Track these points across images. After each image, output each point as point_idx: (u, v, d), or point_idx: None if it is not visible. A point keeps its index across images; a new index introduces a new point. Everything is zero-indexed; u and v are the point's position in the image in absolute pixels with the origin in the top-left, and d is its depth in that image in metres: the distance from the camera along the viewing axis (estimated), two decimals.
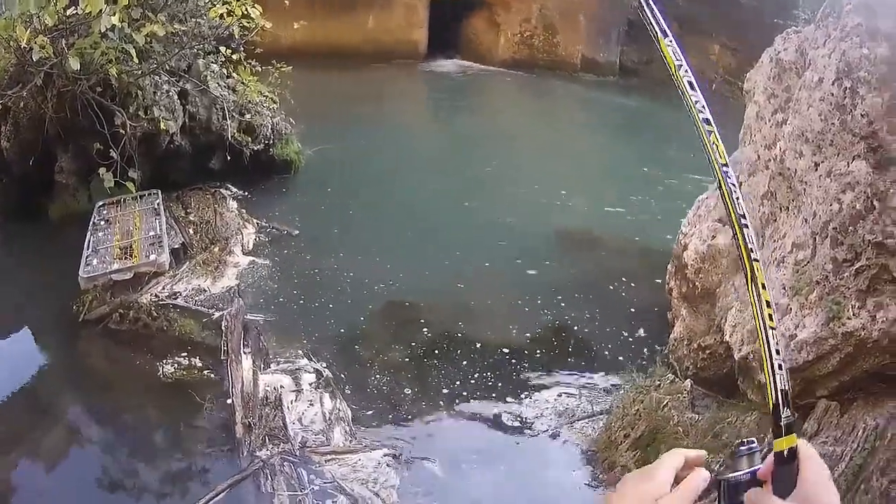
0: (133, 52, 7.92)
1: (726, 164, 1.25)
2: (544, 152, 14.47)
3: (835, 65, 4.66)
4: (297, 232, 9.49)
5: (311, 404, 6.28)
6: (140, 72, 8.78)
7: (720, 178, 1.25)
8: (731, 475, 1.20)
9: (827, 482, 1.15)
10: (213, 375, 6.60)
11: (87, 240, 7.97)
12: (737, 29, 19.45)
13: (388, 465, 5.70)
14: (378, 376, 6.75)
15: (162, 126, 8.80)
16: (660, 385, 6.28)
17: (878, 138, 4.31)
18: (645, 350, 7.39)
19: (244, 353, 6.82)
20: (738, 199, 1.25)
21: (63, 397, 6.46)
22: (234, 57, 10.10)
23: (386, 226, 10.10)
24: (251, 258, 8.73)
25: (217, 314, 7.37)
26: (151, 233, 8.22)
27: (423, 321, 7.65)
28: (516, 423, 6.34)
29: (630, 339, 7.61)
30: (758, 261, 1.24)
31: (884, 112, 4.27)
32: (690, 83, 1.29)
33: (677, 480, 1.20)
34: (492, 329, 7.63)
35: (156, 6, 8.59)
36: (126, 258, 7.76)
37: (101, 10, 6.37)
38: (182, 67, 9.66)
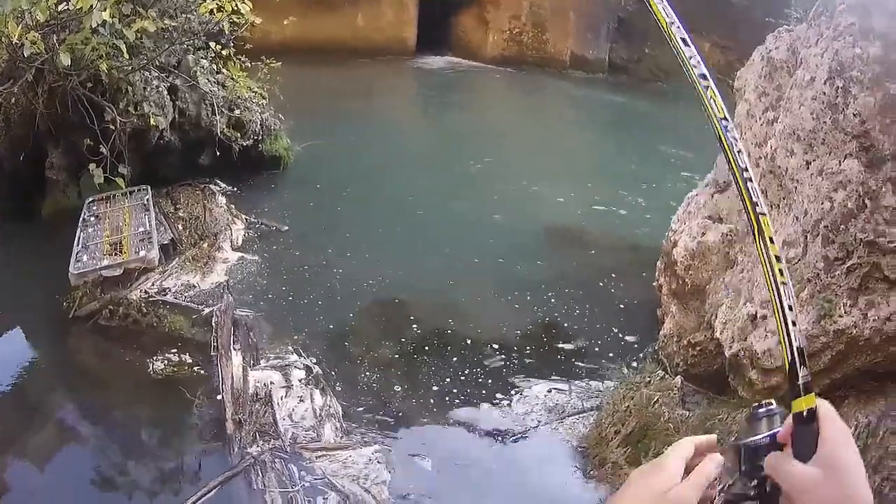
0: (123, 47, 7.87)
1: (725, 118, 1.22)
2: (533, 149, 14.49)
3: (827, 64, 4.68)
4: (286, 228, 9.45)
5: (302, 400, 6.26)
6: (130, 67, 8.73)
7: (720, 132, 1.22)
8: (749, 439, 1.17)
9: (848, 443, 1.11)
10: (202, 372, 6.57)
11: (77, 236, 7.91)
12: (727, 27, 19.51)
13: (378, 461, 5.69)
14: (368, 373, 6.74)
15: (151, 122, 8.76)
16: (650, 381, 6.29)
17: (871, 137, 4.34)
18: (635, 346, 7.40)
19: (234, 349, 6.79)
20: (739, 152, 1.22)
21: (53, 394, 6.41)
22: (224, 53, 10.07)
23: (375, 222, 10.08)
24: (240, 254, 8.69)
25: (206, 310, 7.33)
26: (141, 229, 8.17)
27: (412, 318, 7.64)
28: (507, 420, 6.33)
29: (620, 336, 7.62)
30: (764, 214, 1.20)
31: (876, 111, 4.29)
32: (683, 39, 1.26)
33: (689, 470, 1.17)
34: (481, 326, 7.63)
35: (146, 2, 8.53)
36: (116, 254, 7.71)
37: (91, 6, 6.33)
38: (172, 63, 9.61)
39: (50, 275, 7.59)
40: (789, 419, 1.15)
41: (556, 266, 9.08)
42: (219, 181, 10.35)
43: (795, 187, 5.12)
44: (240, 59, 10.47)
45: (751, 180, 1.20)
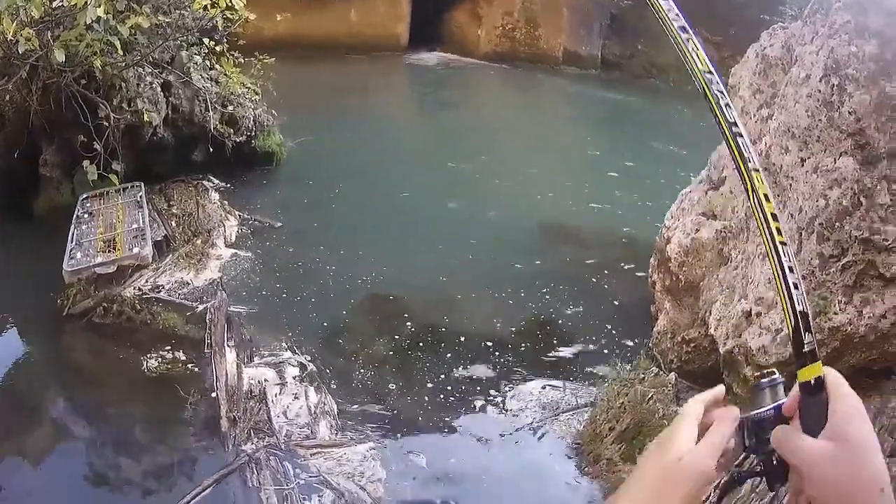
0: (118, 43, 7.86)
1: (709, 71, 1.17)
2: (527, 146, 14.48)
3: (822, 61, 4.69)
4: (279, 224, 9.43)
5: (296, 398, 6.25)
6: (124, 64, 8.69)
7: (704, 85, 1.17)
8: (753, 412, 1.12)
9: (860, 413, 1.04)
10: (196, 369, 6.55)
11: (70, 233, 7.87)
12: (721, 22, 19.51)
13: (373, 458, 5.69)
14: (363, 370, 6.73)
15: (145, 118, 8.72)
16: (644, 378, 6.31)
17: (866, 135, 4.35)
18: (629, 343, 7.41)
19: (228, 346, 6.76)
20: (726, 105, 1.16)
21: (47, 392, 6.39)
22: (218, 49, 10.03)
23: (368, 219, 10.07)
24: (233, 250, 8.67)
25: (200, 307, 7.31)
26: (134, 225, 8.13)
27: (406, 315, 7.64)
28: (501, 416, 6.34)
29: (614, 332, 7.63)
30: (758, 170, 1.14)
31: (872, 109, 4.31)
32: None
33: (704, 431, 1.11)
34: (476, 322, 7.63)
35: None
36: (109, 251, 7.68)
37: (86, 2, 6.31)
38: (165, 59, 9.57)
39: (44, 272, 7.57)
40: (795, 389, 1.10)
41: (550, 262, 9.08)
42: (212, 177, 10.31)
43: (790, 184, 5.14)
44: (233, 56, 10.43)
45: (741, 135, 1.15)
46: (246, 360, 6.69)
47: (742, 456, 1.14)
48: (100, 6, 6.72)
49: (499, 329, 7.54)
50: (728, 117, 1.15)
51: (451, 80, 20.53)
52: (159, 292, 7.52)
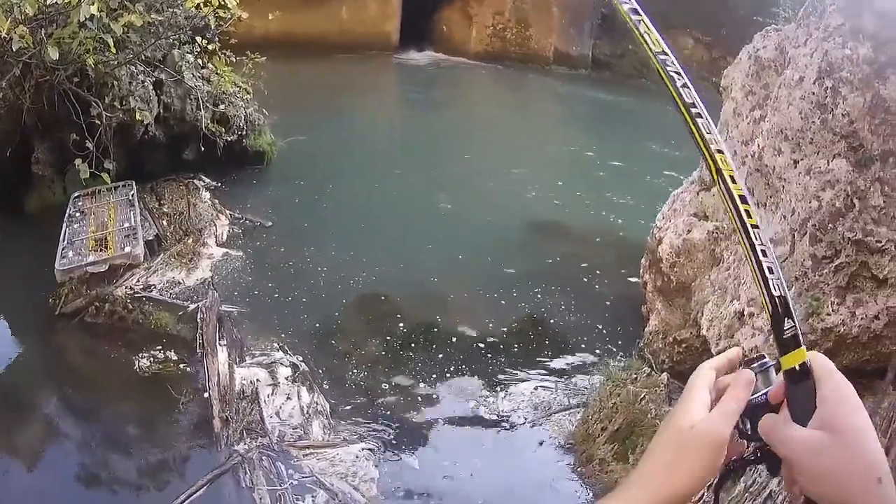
0: (110, 41, 7.83)
1: (664, 52, 1.11)
2: (518, 146, 14.50)
3: (816, 64, 4.71)
4: (270, 224, 9.41)
5: (289, 398, 6.24)
6: (116, 62, 8.67)
7: (659, 66, 1.11)
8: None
9: (851, 400, 0.99)
10: (188, 369, 6.52)
11: (62, 232, 7.85)
12: (711, 23, 19.60)
13: (366, 458, 5.69)
14: (355, 370, 6.72)
15: (137, 116, 8.69)
16: (636, 378, 6.31)
17: (860, 137, 4.38)
18: (620, 343, 7.43)
19: (220, 345, 6.75)
20: (683, 86, 1.10)
21: (39, 392, 6.35)
22: (210, 47, 10.00)
23: (359, 219, 10.05)
24: (225, 250, 8.64)
25: (192, 307, 7.29)
26: (126, 224, 8.11)
27: (398, 315, 7.63)
28: (493, 417, 6.34)
29: (605, 332, 7.65)
30: (722, 152, 1.09)
31: (865, 112, 4.33)
32: None
33: (719, 397, 1.05)
34: (468, 322, 7.62)
35: None
36: (101, 250, 7.65)
37: (79, 0, 6.27)
38: (158, 58, 9.55)
39: (35, 271, 7.54)
40: (780, 378, 1.05)
41: (541, 262, 9.09)
42: (203, 176, 10.30)
43: (783, 186, 5.16)
44: (225, 54, 10.40)
45: (700, 116, 1.10)
46: (238, 360, 6.67)
47: (737, 442, 1.06)
48: (93, 4, 6.69)
49: (491, 329, 7.54)
50: (686, 98, 1.10)
51: (442, 79, 20.55)
52: (151, 292, 7.49)
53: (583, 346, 7.42)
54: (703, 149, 1.10)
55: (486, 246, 9.46)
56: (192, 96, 9.85)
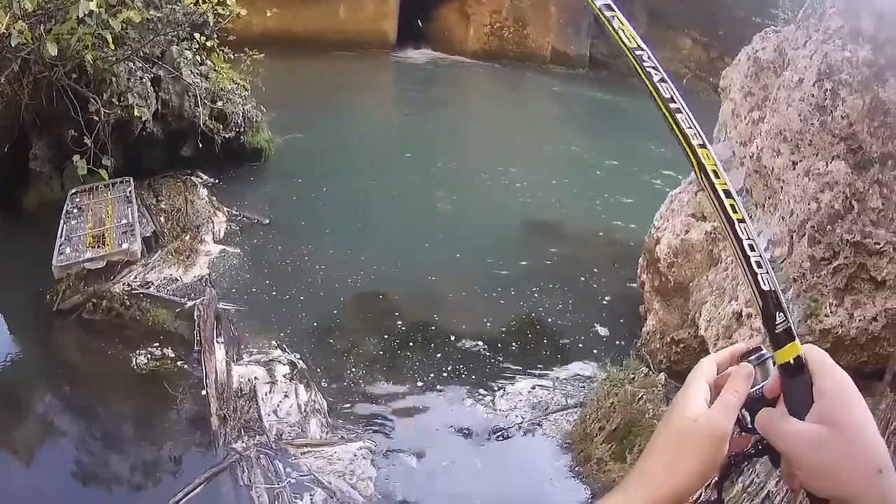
0: (109, 38, 7.82)
1: (639, 48, 1.09)
2: (515, 145, 14.50)
3: (816, 66, 4.72)
4: (267, 221, 9.39)
5: (286, 396, 6.24)
6: (115, 58, 8.65)
7: (634, 62, 1.09)
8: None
9: (849, 392, 0.97)
10: (186, 366, 6.52)
11: (60, 228, 7.83)
12: (709, 24, 19.59)
13: (364, 457, 5.69)
14: (354, 369, 6.72)
15: (135, 113, 8.68)
16: (634, 378, 6.32)
17: (859, 140, 4.39)
18: (618, 342, 7.44)
19: (217, 343, 6.74)
20: (661, 81, 1.08)
21: (36, 389, 6.35)
22: (208, 44, 9.98)
23: (357, 217, 10.04)
24: (222, 247, 8.63)
25: (189, 304, 7.28)
26: (123, 221, 8.09)
27: (397, 314, 7.64)
28: (491, 416, 6.35)
29: (602, 332, 7.66)
30: (704, 146, 1.07)
31: (865, 114, 4.34)
32: None
33: (720, 390, 1.04)
34: (465, 321, 7.62)
35: None
36: (98, 246, 7.64)
37: None
38: (156, 54, 9.53)
39: (33, 267, 7.53)
40: (775, 373, 1.04)
41: (539, 261, 9.10)
42: (201, 173, 10.27)
43: (781, 187, 5.17)
44: (223, 51, 10.39)
45: (679, 111, 1.08)
46: (235, 357, 6.67)
47: (736, 436, 1.04)
48: (92, 0, 6.67)
49: (489, 328, 7.55)
50: (664, 93, 1.08)
51: (440, 78, 20.54)
52: (148, 288, 7.48)
53: (580, 345, 7.43)
54: (685, 144, 1.08)
55: (484, 245, 9.47)
56: (190, 93, 9.83)
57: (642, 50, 1.09)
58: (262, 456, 5.53)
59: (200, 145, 9.93)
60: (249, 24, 12.26)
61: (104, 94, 8.60)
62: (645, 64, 1.09)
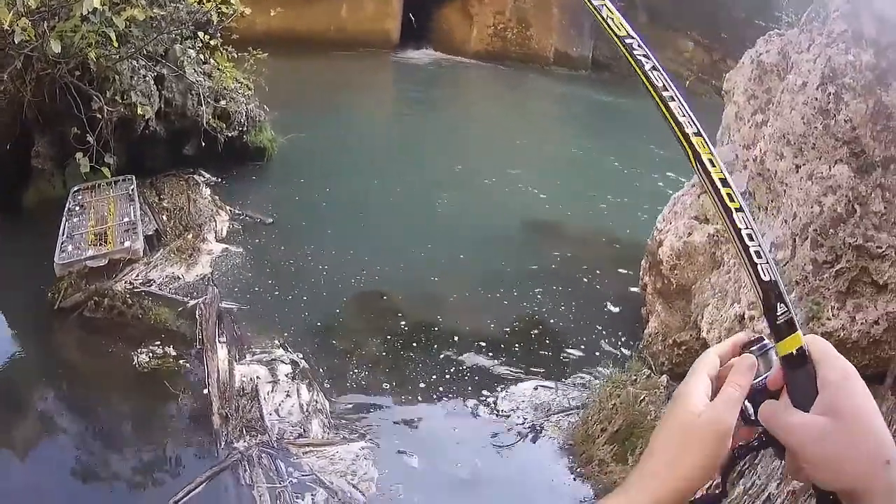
0: (113, 35, 7.84)
1: (629, 36, 1.08)
2: (517, 146, 14.49)
3: (819, 70, 4.73)
4: (270, 220, 9.39)
5: (288, 395, 6.24)
6: (118, 56, 8.66)
7: (624, 51, 1.08)
8: None
9: (853, 381, 0.96)
10: (187, 365, 6.52)
11: (61, 226, 7.84)
12: (711, 26, 19.59)
13: (366, 457, 5.69)
14: (356, 369, 6.72)
15: (138, 111, 8.69)
16: (636, 380, 6.32)
17: (862, 143, 4.40)
18: (620, 344, 7.45)
19: (219, 342, 6.75)
20: (652, 69, 1.07)
21: (38, 387, 6.35)
22: (212, 43, 10.00)
23: (359, 217, 10.05)
24: (224, 246, 8.62)
25: (191, 302, 7.29)
26: (126, 219, 8.11)
27: (399, 314, 7.64)
28: (493, 417, 6.36)
29: (605, 333, 7.67)
30: (699, 134, 1.05)
31: (868, 118, 4.35)
32: None
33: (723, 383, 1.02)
34: (468, 322, 7.62)
35: None
36: (101, 244, 7.65)
37: None
38: (159, 52, 9.54)
39: (34, 265, 7.51)
40: (777, 365, 1.02)
41: (541, 262, 9.10)
42: (203, 172, 10.27)
43: (784, 190, 5.18)
44: (227, 50, 10.40)
45: (673, 99, 1.06)
46: (237, 356, 6.67)
47: (738, 428, 1.02)
48: None
49: (492, 329, 7.55)
50: (656, 81, 1.07)
51: (442, 78, 20.54)
52: (150, 287, 7.48)
53: (583, 347, 7.43)
54: (678, 132, 1.07)
55: (487, 245, 9.47)
56: (193, 91, 9.84)
57: (632, 38, 1.08)
58: (263, 455, 5.54)
59: (203, 144, 9.95)
60: (253, 23, 12.30)
61: (107, 92, 8.61)
62: (635, 52, 1.08)
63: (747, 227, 1.03)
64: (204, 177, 10.22)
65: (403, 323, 7.49)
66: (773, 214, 5.37)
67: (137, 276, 7.60)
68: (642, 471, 1.00)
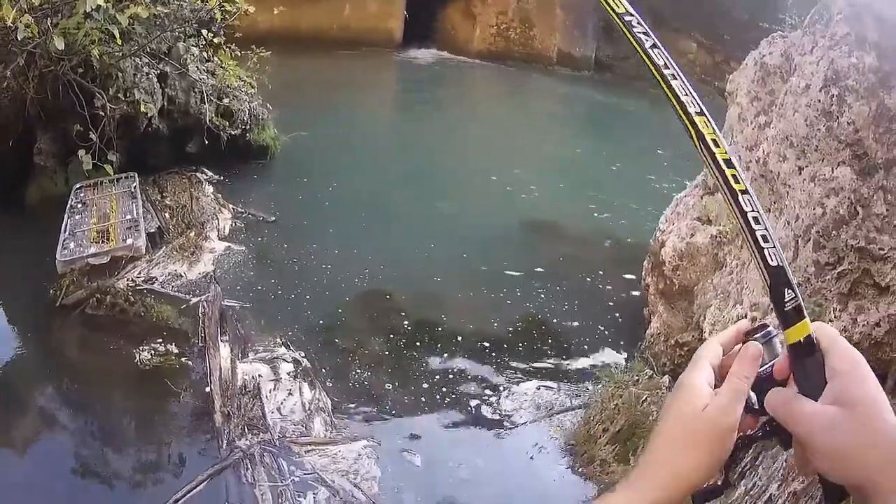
0: (116, 33, 7.85)
1: (628, 13, 1.04)
2: (520, 146, 14.49)
3: (822, 72, 4.73)
4: (273, 219, 9.39)
5: (290, 394, 6.26)
6: (121, 54, 8.67)
7: (623, 28, 1.04)
8: None
9: (862, 370, 0.94)
10: (190, 363, 6.53)
11: (64, 223, 7.84)
12: (713, 28, 19.58)
13: (368, 456, 5.70)
14: (359, 369, 6.73)
15: (141, 109, 8.69)
16: (638, 380, 6.33)
17: (864, 146, 4.40)
18: (622, 344, 7.47)
19: (222, 340, 6.76)
20: (653, 47, 1.04)
21: (39, 384, 6.36)
22: (215, 41, 10.00)
23: (362, 216, 10.04)
24: (227, 244, 8.63)
25: (194, 300, 7.30)
26: (128, 216, 8.12)
27: (402, 313, 7.65)
28: (495, 416, 6.37)
29: (607, 334, 7.68)
30: (702, 113, 1.02)
31: (871, 121, 4.35)
32: None
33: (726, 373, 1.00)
34: (471, 321, 7.64)
35: None
36: (103, 242, 7.66)
37: None
38: (162, 50, 9.54)
39: (36, 262, 7.52)
40: (784, 353, 1.00)
41: (544, 263, 9.11)
42: (206, 170, 10.26)
43: (787, 192, 5.18)
44: (230, 48, 10.41)
45: (675, 77, 1.03)
46: (240, 354, 6.68)
47: (744, 417, 1.00)
48: None
49: (494, 329, 7.57)
50: (656, 59, 1.03)
51: (445, 78, 20.52)
52: (152, 284, 7.49)
53: (585, 346, 7.45)
54: (681, 111, 1.03)
55: (489, 245, 9.47)
56: (196, 89, 9.84)
57: (631, 15, 1.05)
58: (265, 454, 5.55)
59: (206, 142, 9.96)
60: (256, 21, 12.31)
61: (110, 90, 8.61)
62: (635, 30, 1.05)
63: (753, 210, 1.00)
64: (206, 175, 10.22)
65: (406, 322, 7.50)
66: (775, 216, 5.37)
67: (139, 273, 7.62)
68: (645, 466, 0.99)
